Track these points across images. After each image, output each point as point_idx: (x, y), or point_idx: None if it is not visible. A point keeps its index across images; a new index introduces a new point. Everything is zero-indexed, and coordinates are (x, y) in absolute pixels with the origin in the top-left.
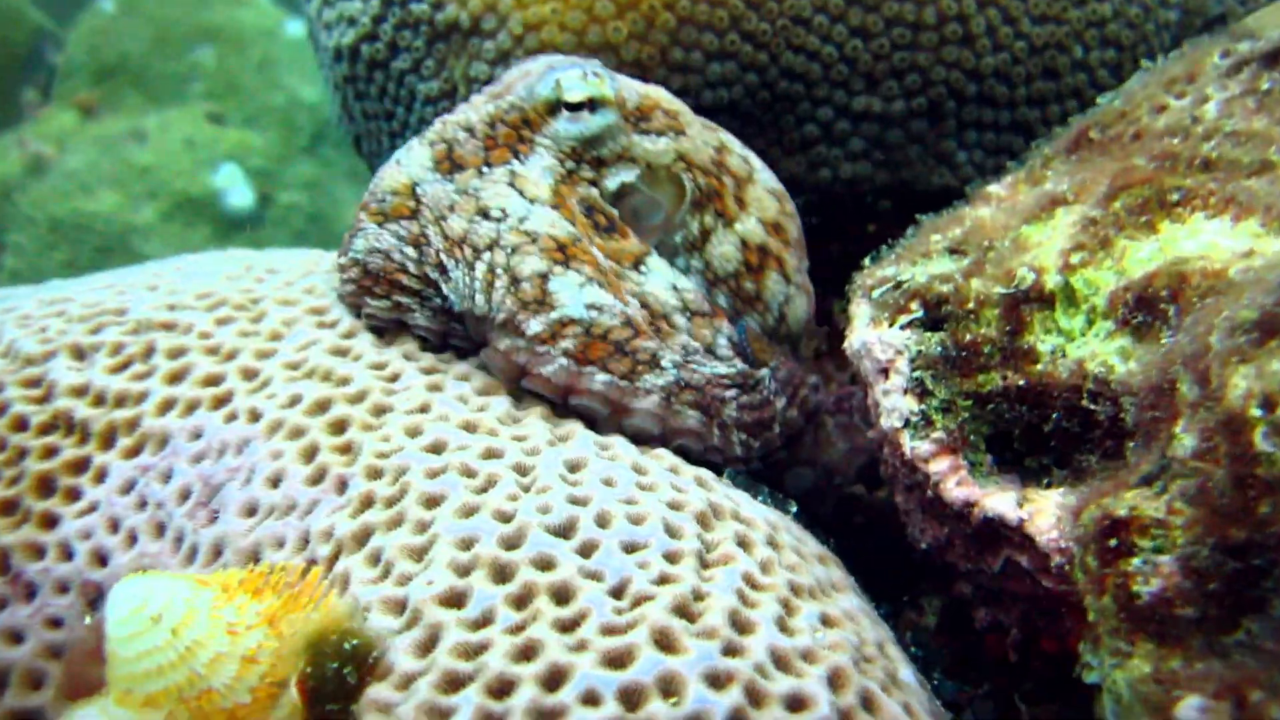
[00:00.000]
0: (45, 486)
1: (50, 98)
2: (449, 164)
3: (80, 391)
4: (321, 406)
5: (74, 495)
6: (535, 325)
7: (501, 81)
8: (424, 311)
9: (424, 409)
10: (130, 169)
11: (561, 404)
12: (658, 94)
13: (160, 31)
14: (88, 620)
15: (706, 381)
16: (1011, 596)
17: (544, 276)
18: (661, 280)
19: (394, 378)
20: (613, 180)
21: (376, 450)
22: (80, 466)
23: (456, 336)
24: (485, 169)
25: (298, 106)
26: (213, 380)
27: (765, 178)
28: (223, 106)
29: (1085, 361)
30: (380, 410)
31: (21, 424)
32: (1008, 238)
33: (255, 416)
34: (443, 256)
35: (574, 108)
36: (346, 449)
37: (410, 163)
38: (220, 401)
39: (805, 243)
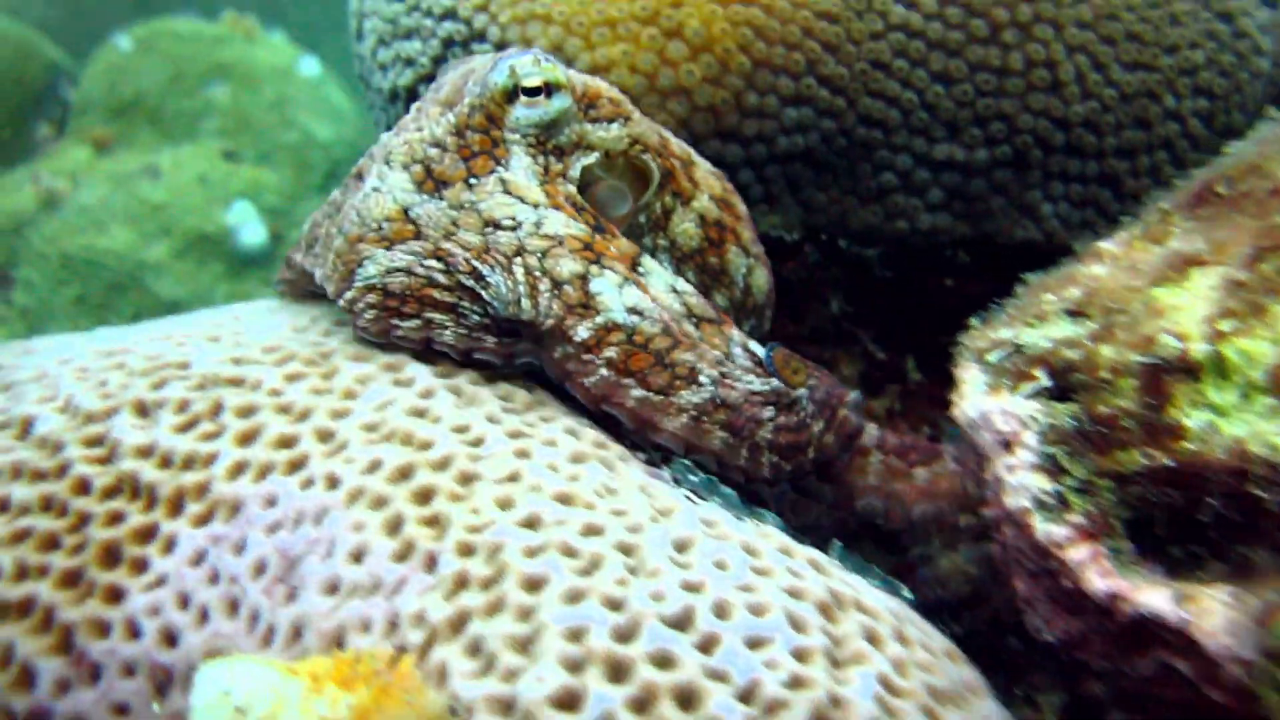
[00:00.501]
0: (110, 556)
1: (64, 133)
2: (432, 183)
3: (146, 452)
4: (404, 474)
5: (141, 566)
6: (583, 331)
7: (444, 85)
8: (456, 329)
9: (514, 478)
10: (143, 205)
11: (595, 410)
12: (598, 83)
13: (176, 69)
14: (155, 708)
15: (744, 399)
16: (1158, 701)
17: (583, 278)
18: (660, 282)
19: (478, 442)
20: (575, 168)
21: (467, 524)
22: (148, 535)
23: (483, 351)
24: (472, 180)
25: (311, 144)
26: (286, 442)
27: (702, 160)
28: (236, 144)
29: (1245, 441)
30: (467, 479)
31: (84, 487)
32: (1137, 300)
33: (333, 483)
34: (475, 263)
35: (531, 92)
36: (434, 521)
37: (392, 188)
38: (295, 466)
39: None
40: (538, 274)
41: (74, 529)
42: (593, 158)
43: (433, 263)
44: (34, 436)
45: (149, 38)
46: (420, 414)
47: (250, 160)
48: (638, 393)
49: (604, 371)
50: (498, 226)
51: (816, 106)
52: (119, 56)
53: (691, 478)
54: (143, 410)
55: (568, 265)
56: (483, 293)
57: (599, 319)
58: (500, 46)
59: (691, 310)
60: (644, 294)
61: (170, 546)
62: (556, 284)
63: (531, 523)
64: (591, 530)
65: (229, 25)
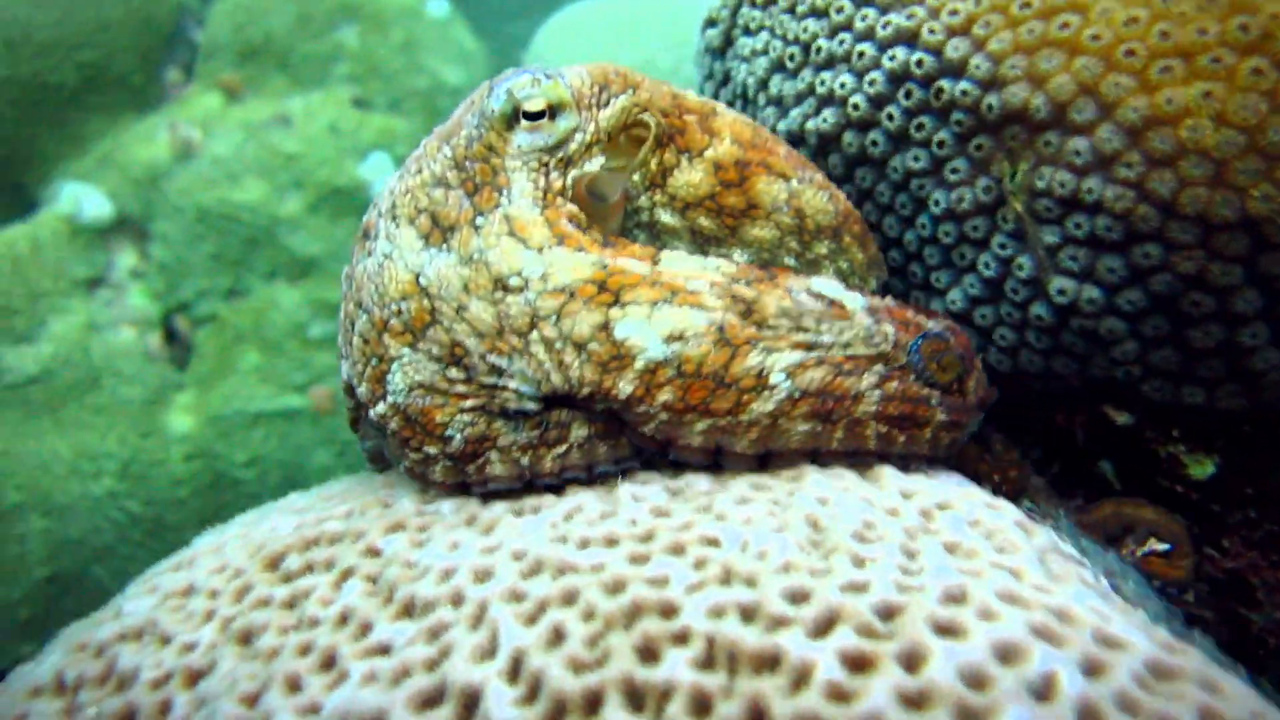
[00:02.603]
0: None
1: (192, 78)
2: (439, 233)
3: None
4: None
5: None
6: (626, 388)
7: (449, 119)
8: (502, 461)
9: None
10: (276, 156)
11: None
12: (602, 66)
13: (302, 9)
14: None
15: (834, 374)
16: None
17: (605, 327)
18: (693, 264)
19: None
20: (569, 181)
21: None
22: None
23: (547, 476)
24: (479, 220)
25: (441, 91)
26: None
27: (732, 112)
28: (366, 90)
29: None
30: None
31: None
32: None
33: None
34: (491, 359)
35: (533, 116)
36: None
37: (402, 249)
38: None
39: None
40: (558, 345)
41: None
42: (597, 164)
43: (454, 372)
44: None
45: None
46: None
47: (381, 108)
48: (701, 425)
49: (662, 416)
50: (506, 289)
51: None
52: None
53: None
54: (638, 697)
55: (585, 320)
56: (509, 383)
57: (638, 365)
58: (990, 85)
59: (735, 277)
60: (679, 306)
61: None
62: (580, 347)
63: None
64: None
65: None
